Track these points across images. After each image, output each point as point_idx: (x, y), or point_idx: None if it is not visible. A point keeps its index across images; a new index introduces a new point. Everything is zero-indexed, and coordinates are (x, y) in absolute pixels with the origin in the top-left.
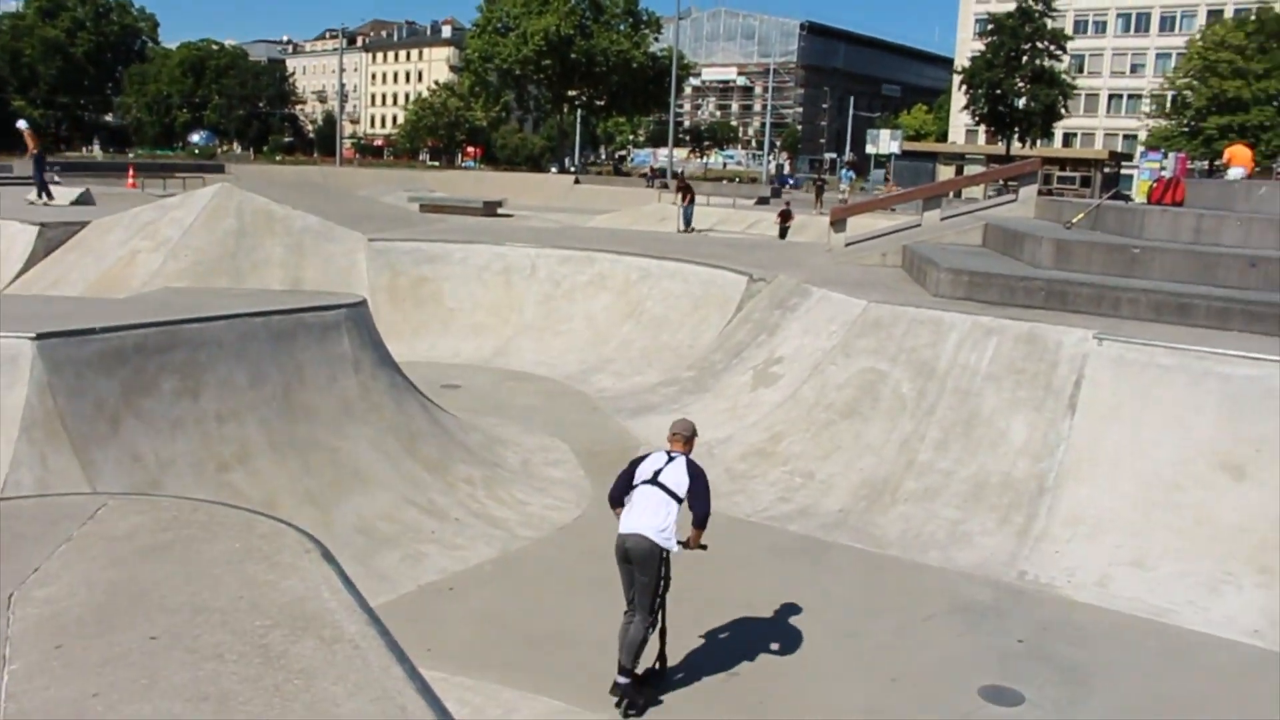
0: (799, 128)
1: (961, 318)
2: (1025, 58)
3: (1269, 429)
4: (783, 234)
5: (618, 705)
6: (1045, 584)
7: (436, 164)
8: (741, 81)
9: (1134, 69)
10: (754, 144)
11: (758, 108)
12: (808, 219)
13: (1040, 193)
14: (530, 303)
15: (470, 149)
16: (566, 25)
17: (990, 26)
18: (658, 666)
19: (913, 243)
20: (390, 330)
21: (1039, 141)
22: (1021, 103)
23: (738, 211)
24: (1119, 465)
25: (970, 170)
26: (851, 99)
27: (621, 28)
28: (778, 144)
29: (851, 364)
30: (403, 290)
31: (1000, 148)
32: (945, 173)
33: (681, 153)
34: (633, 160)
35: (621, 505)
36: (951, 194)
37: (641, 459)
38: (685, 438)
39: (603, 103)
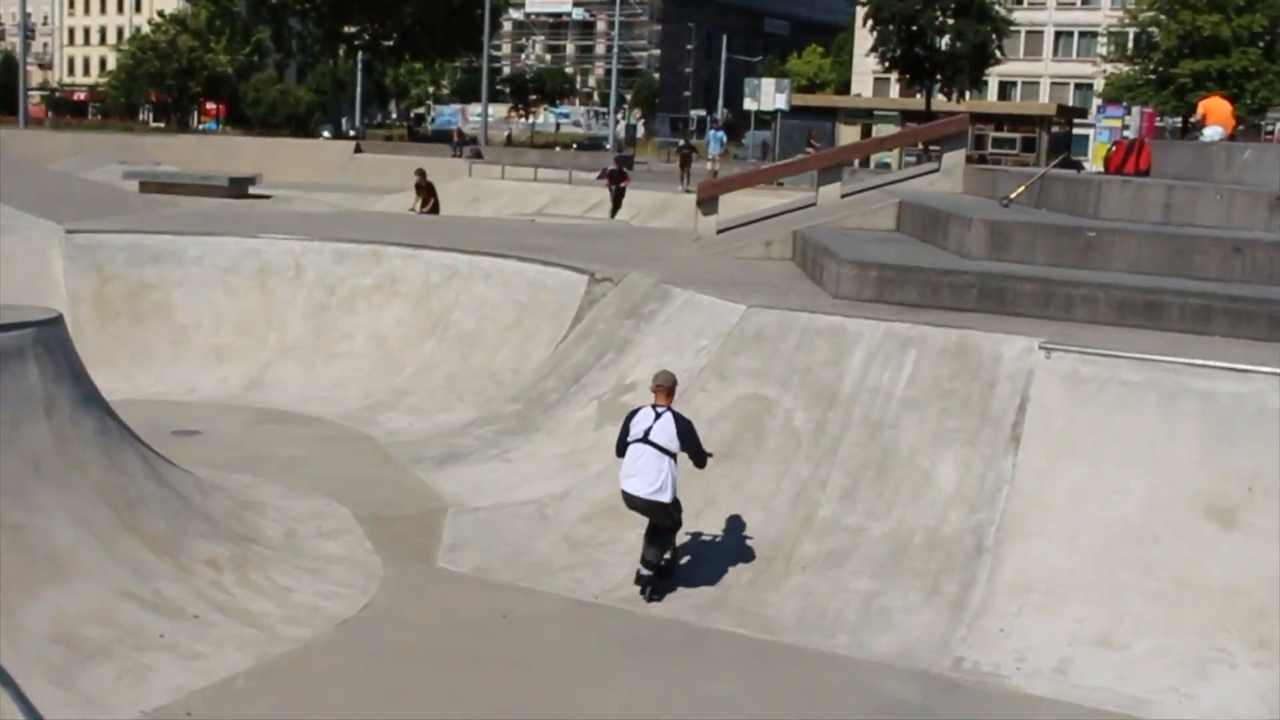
0: (656, 76)
1: (870, 325)
2: None
3: (1264, 461)
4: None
5: (642, 593)
6: (988, 673)
7: (163, 126)
8: (579, 15)
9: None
10: (596, 98)
11: (601, 50)
12: (669, 198)
13: (970, 160)
14: (295, 316)
15: (210, 105)
16: None
17: None
18: (669, 557)
19: (806, 227)
20: (99, 357)
21: (967, 94)
22: (944, 43)
23: (576, 189)
24: (1077, 514)
25: (880, 131)
26: (725, 38)
27: None
28: (628, 98)
29: (728, 389)
30: (116, 301)
31: (918, 101)
32: (848, 135)
33: (499, 110)
34: (434, 121)
35: (622, 452)
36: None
37: (635, 413)
38: (667, 389)
39: (391, 43)
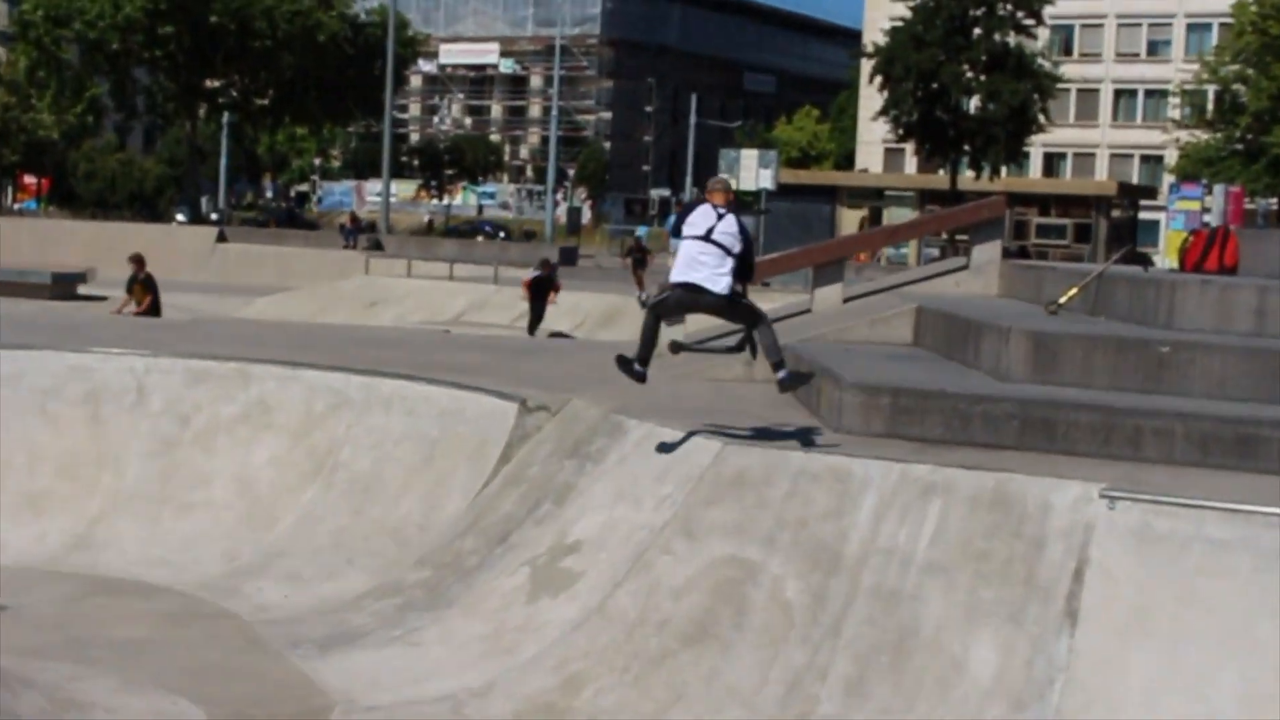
0: (606, 146)
1: (882, 468)
2: (978, 30)
3: None
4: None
5: (791, 387)
6: None
7: None
8: (508, 68)
9: (1153, 49)
10: (530, 174)
11: (536, 112)
12: (620, 302)
13: (1008, 254)
14: (136, 454)
15: (30, 179)
16: None
17: None
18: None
19: (799, 341)
20: None
21: (1003, 169)
22: (974, 104)
23: (503, 292)
24: (1153, 711)
25: (893, 217)
26: (694, 98)
27: None
28: (570, 174)
29: (699, 551)
30: None
31: (941, 179)
32: (850, 221)
33: (406, 188)
34: (321, 202)
35: (678, 234)
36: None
37: (694, 205)
38: (725, 190)
39: (267, 101)
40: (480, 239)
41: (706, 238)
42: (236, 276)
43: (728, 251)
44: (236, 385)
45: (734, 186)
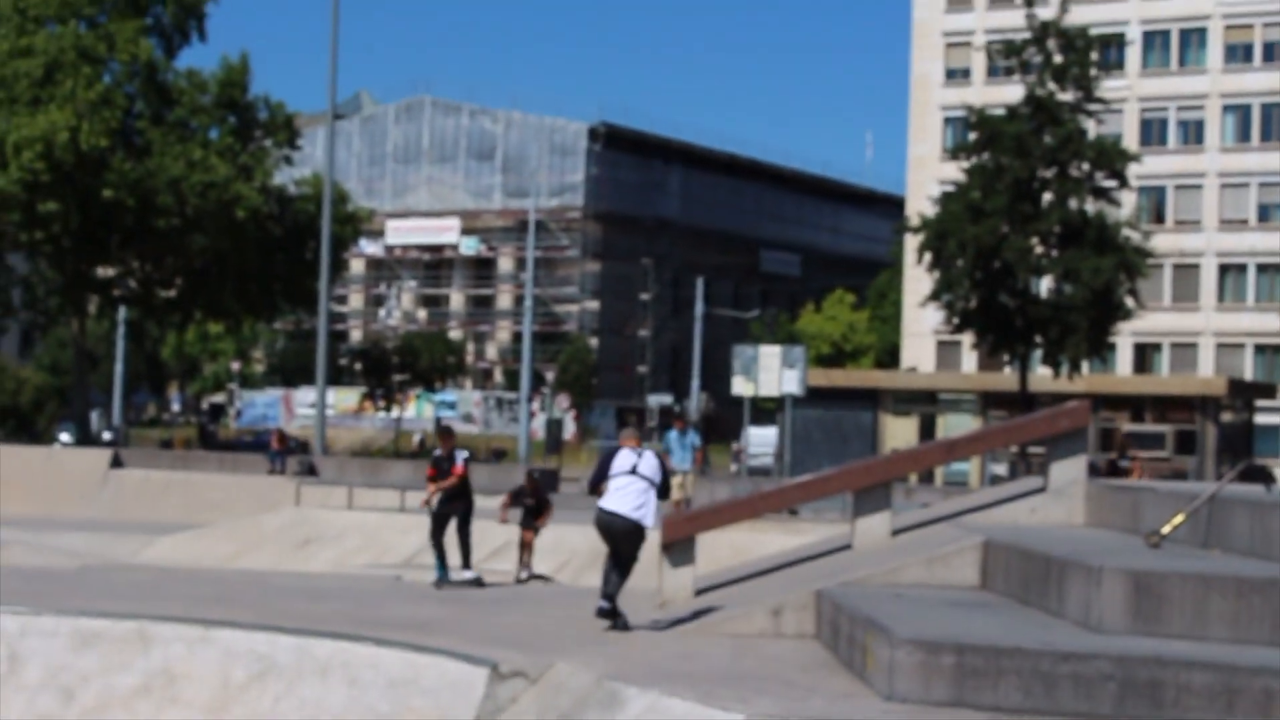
0: (592, 341)
1: None
2: (1048, 196)
3: None
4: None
5: (605, 617)
6: None
7: None
8: (470, 248)
9: (1265, 214)
10: (499, 378)
11: (507, 302)
12: None
13: (1094, 471)
14: None
15: None
16: (94, 129)
17: (974, 136)
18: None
19: (837, 585)
20: None
21: (1084, 365)
22: (1046, 286)
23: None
24: None
25: (949, 427)
26: (700, 281)
27: (214, 135)
28: (550, 378)
29: None
30: None
31: (1008, 378)
32: (899, 432)
33: (346, 398)
34: (240, 416)
35: (599, 493)
36: (914, 478)
37: (612, 454)
38: (635, 436)
39: (174, 293)
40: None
41: (633, 472)
42: (135, 510)
43: (651, 483)
44: (135, 650)
45: (753, 392)
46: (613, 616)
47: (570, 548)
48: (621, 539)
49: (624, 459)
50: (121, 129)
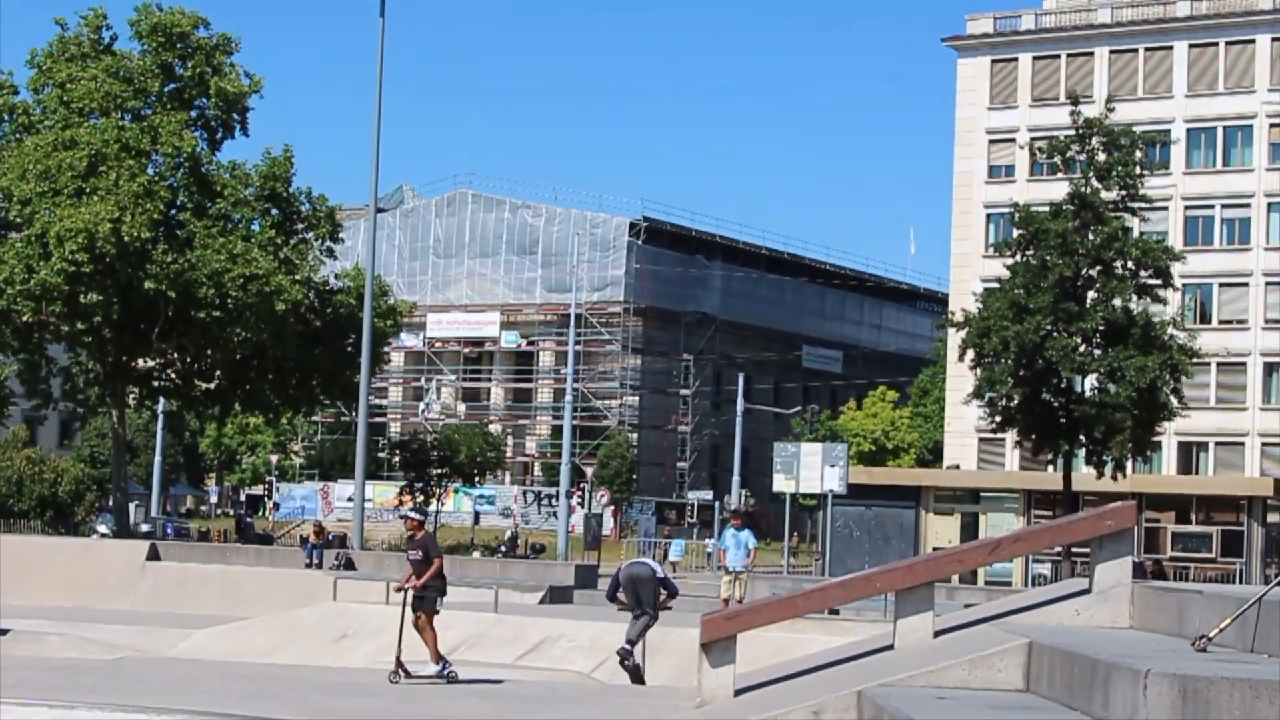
0: (633, 436)
1: None
2: (1092, 294)
3: None
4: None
5: (623, 663)
6: None
7: None
8: (511, 341)
9: None
10: (538, 473)
11: (546, 396)
12: (656, 634)
13: (1141, 571)
14: None
15: None
16: (136, 221)
17: (1018, 233)
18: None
19: (878, 686)
20: None
21: (1129, 465)
22: (1090, 385)
23: (505, 621)
24: None
25: (992, 527)
26: (741, 378)
27: (256, 228)
28: (590, 473)
29: None
30: None
31: (1052, 477)
32: (940, 531)
33: (384, 491)
34: (278, 509)
35: (617, 600)
36: (956, 578)
37: (621, 569)
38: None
39: (212, 385)
40: (476, 554)
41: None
42: (171, 603)
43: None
44: None
45: (795, 489)
46: (632, 657)
47: (606, 645)
48: (642, 584)
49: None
50: (164, 221)
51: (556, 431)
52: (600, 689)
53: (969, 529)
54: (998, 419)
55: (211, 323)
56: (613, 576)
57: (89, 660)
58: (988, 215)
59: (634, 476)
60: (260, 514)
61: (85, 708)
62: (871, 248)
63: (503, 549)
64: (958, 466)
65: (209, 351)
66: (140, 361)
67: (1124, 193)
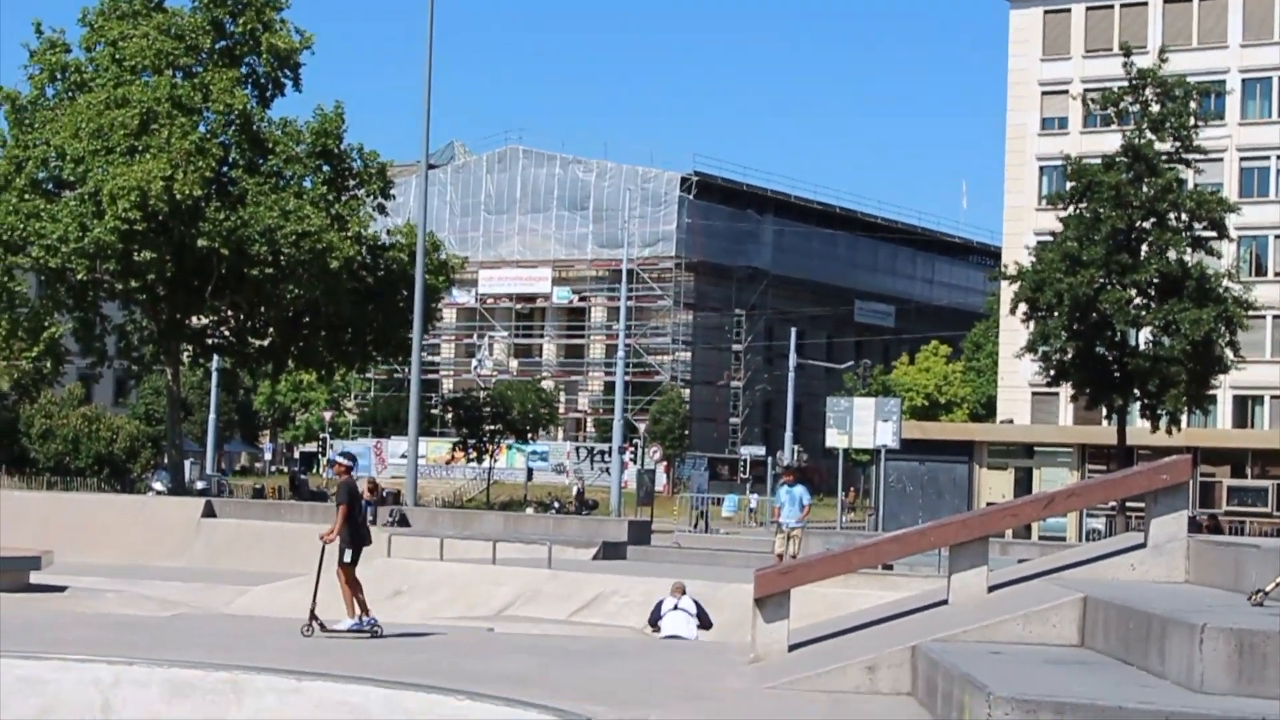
0: (685, 392)
1: None
2: (1146, 245)
3: None
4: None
5: None
6: None
7: None
8: (562, 297)
9: None
10: (591, 429)
11: (598, 351)
12: (709, 588)
13: (1196, 526)
14: None
15: None
16: (189, 179)
17: (1071, 185)
18: None
19: (933, 642)
20: None
21: (1184, 418)
22: (1144, 338)
23: (560, 577)
24: None
25: (1046, 481)
26: (793, 332)
27: (308, 184)
28: (642, 429)
29: None
30: None
31: (1106, 431)
32: (995, 485)
33: (437, 448)
34: (331, 466)
35: (657, 628)
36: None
37: (661, 601)
38: (682, 589)
39: (265, 343)
40: (529, 510)
41: (675, 609)
42: (226, 560)
43: (692, 616)
44: (227, 701)
45: (848, 444)
46: None
47: (658, 599)
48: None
49: (668, 603)
50: (216, 178)
51: (609, 387)
52: (653, 644)
53: (1023, 484)
54: (1051, 373)
55: (264, 280)
56: (655, 606)
57: (146, 617)
58: (1040, 168)
59: (686, 432)
60: (314, 471)
61: (143, 663)
62: (924, 201)
63: (555, 505)
64: (1011, 421)
65: (262, 309)
66: (194, 319)
67: (1178, 144)
